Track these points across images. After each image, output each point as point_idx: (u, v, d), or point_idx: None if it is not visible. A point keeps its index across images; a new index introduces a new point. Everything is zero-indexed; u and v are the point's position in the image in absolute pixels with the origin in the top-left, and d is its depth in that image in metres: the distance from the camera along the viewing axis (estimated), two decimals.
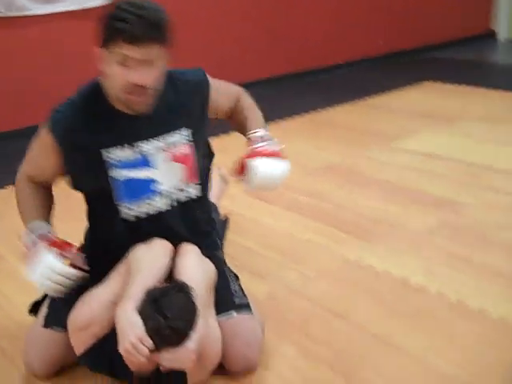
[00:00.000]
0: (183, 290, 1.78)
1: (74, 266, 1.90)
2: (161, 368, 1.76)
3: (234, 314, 2.01)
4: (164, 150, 1.96)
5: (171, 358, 1.72)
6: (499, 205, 3.18)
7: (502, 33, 7.39)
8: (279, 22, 5.62)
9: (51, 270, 1.84)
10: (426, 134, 4.27)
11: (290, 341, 2.18)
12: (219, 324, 1.95)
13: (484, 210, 3.12)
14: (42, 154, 2.00)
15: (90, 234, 2.16)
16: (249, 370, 2.01)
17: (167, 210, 2.01)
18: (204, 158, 2.11)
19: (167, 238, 2.00)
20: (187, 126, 2.00)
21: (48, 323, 2.03)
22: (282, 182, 2.00)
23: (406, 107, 4.99)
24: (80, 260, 1.93)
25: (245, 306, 2.05)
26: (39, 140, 2.00)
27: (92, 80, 1.97)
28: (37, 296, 2.18)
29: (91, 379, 2.00)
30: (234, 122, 2.21)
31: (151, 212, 1.99)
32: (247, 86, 2.49)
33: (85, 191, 2.06)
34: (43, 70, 4.49)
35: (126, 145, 1.92)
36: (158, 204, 1.99)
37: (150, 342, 1.68)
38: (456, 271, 2.58)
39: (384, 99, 5.28)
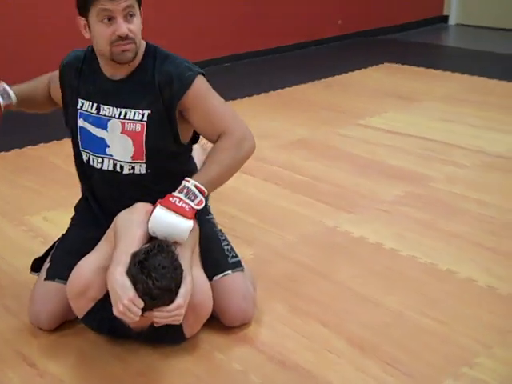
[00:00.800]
0: (165, 248, 1.88)
1: None
2: (155, 324, 1.92)
3: (229, 272, 2.18)
4: (119, 120, 2.10)
5: (162, 315, 1.87)
6: (459, 177, 3.45)
7: (453, 18, 7.70)
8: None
9: None
10: (389, 112, 4.50)
11: (279, 298, 2.38)
12: (216, 283, 2.13)
13: (446, 182, 3.38)
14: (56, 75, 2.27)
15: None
16: (244, 322, 2.20)
17: (110, 172, 2.15)
18: (154, 143, 2.10)
19: (113, 197, 2.19)
20: (148, 108, 2.08)
21: (50, 276, 2.17)
22: (175, 236, 1.94)
23: (369, 87, 5.22)
24: None
25: (238, 264, 2.23)
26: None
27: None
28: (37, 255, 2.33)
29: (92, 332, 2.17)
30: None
31: (97, 166, 2.16)
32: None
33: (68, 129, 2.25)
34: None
35: (94, 103, 2.13)
36: (105, 164, 2.15)
37: (141, 303, 1.81)
38: (424, 237, 2.83)
39: (347, 78, 5.49)
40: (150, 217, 1.97)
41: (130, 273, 1.84)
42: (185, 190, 1.96)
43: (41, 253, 2.36)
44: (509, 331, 2.19)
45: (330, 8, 6.45)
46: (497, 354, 2.08)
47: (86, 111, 2.14)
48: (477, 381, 1.96)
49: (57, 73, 2.24)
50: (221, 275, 2.16)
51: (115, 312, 1.84)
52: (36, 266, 2.33)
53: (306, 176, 3.48)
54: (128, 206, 2.08)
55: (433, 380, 1.97)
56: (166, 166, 2.16)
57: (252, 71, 5.80)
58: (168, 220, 1.92)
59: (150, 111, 2.09)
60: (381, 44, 6.80)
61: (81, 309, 2.05)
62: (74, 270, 2.03)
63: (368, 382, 1.97)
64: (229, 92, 2.40)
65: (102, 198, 2.23)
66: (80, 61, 2.17)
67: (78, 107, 2.15)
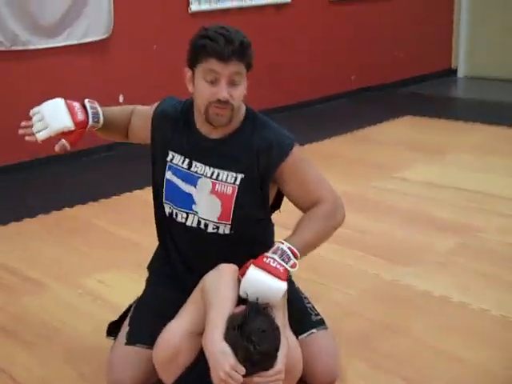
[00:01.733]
0: (262, 311, 1.84)
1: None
2: None
3: (314, 330, 2.14)
4: (210, 180, 2.06)
5: (262, 381, 1.81)
6: (507, 227, 3.43)
7: (461, 70, 7.84)
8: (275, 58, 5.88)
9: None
10: (420, 164, 4.51)
11: (357, 355, 2.32)
12: (303, 342, 2.06)
13: (496, 232, 3.36)
14: (142, 114, 2.25)
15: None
16: (332, 381, 2.14)
17: (194, 228, 2.10)
18: (242, 208, 2.07)
19: (197, 253, 2.14)
20: (242, 172, 2.05)
21: (131, 341, 2.11)
22: (269, 297, 1.86)
23: (396, 140, 5.25)
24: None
25: (322, 323, 2.19)
26: (147, 107, 2.26)
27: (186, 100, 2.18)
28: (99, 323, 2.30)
29: None
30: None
31: (180, 221, 2.12)
32: None
33: (153, 179, 2.21)
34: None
35: (186, 158, 2.10)
36: (189, 220, 2.10)
37: (242, 370, 1.76)
38: (489, 288, 2.80)
39: (372, 132, 5.53)
40: (239, 278, 1.92)
41: (228, 338, 1.78)
42: (279, 252, 1.90)
43: (104, 315, 2.36)
44: None
45: (344, 63, 6.54)
46: None
47: (177, 165, 2.10)
48: None
49: (147, 112, 2.20)
50: (306, 334, 2.11)
51: (215, 379, 1.78)
52: (111, 329, 2.27)
53: (352, 230, 3.44)
54: (211, 262, 2.02)
55: None
56: (251, 229, 2.11)
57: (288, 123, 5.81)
58: (262, 280, 1.85)
59: (243, 175, 2.05)
60: (398, 97, 6.85)
61: (169, 376, 1.97)
62: (162, 336, 1.96)
63: None
64: None
65: (185, 251, 2.17)
66: (177, 112, 2.13)
67: (168, 159, 2.12)
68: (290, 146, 2.07)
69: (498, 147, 4.92)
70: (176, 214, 2.12)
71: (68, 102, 2.13)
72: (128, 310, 2.26)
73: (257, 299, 1.87)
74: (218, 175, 2.06)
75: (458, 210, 3.70)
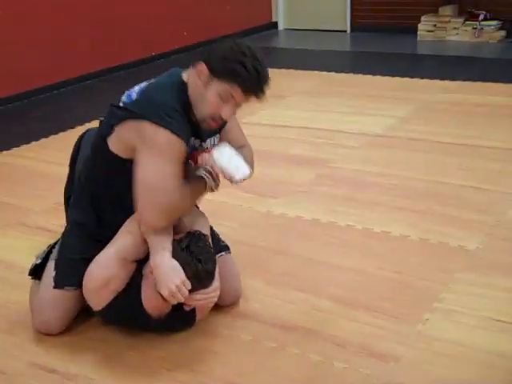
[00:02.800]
0: (202, 236, 2.10)
1: None
2: (185, 307, 2.07)
3: (223, 253, 2.37)
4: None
5: (203, 297, 2.05)
6: (352, 156, 3.86)
7: (281, 24, 8.30)
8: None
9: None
10: (266, 109, 4.81)
11: (250, 276, 2.56)
12: None
13: (345, 162, 3.76)
14: (177, 159, 2.06)
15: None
16: (236, 300, 2.39)
17: None
18: None
19: None
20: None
21: (59, 284, 2.20)
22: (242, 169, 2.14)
23: None
24: None
25: (227, 247, 2.42)
26: (166, 150, 2.02)
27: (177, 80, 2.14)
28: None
29: (97, 331, 2.25)
30: None
31: None
32: None
33: None
34: None
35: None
36: None
37: (189, 285, 1.98)
38: (351, 208, 3.18)
39: None
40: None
41: (178, 257, 1.99)
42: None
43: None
44: (452, 270, 2.58)
45: (176, 20, 6.68)
46: (453, 288, 2.46)
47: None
48: (449, 311, 2.32)
49: (179, 149, 2.05)
50: (217, 256, 2.29)
51: (165, 293, 1.96)
52: (34, 271, 2.35)
53: None
54: None
55: (415, 316, 2.29)
56: None
57: (111, 87, 5.84)
58: (235, 156, 2.14)
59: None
60: None
61: (100, 301, 2.11)
62: (94, 263, 2.09)
63: (364, 327, 2.25)
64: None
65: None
66: (184, 123, 2.06)
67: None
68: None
69: (330, 89, 5.37)
70: None
71: None
72: (49, 253, 2.34)
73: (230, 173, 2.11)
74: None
75: (308, 146, 4.06)
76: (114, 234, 2.16)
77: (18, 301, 2.45)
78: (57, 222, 3.07)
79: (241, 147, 2.32)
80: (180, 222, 2.22)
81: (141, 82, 2.22)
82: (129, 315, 2.14)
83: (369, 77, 5.73)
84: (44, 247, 2.76)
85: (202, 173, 2.15)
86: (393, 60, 6.42)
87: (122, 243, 2.12)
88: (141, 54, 6.38)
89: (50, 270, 2.26)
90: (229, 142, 2.26)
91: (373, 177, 3.53)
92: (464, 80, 5.40)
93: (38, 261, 2.37)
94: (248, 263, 2.66)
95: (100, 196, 2.24)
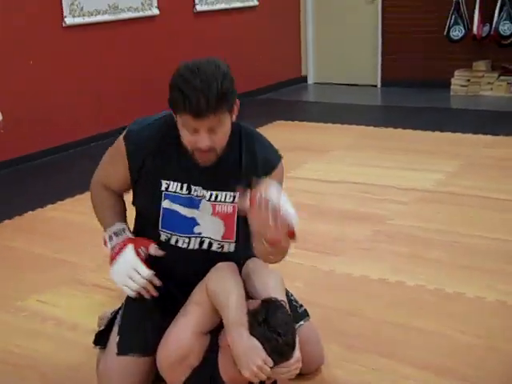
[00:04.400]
0: (280, 305, 1.96)
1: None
2: (266, 382, 1.95)
3: (302, 322, 2.23)
4: (209, 202, 2.07)
5: (285, 370, 1.92)
6: (406, 212, 3.76)
7: (311, 77, 8.33)
8: None
9: (136, 271, 2.02)
10: (309, 163, 4.77)
11: (328, 339, 2.42)
12: None
13: (399, 218, 3.67)
14: (112, 161, 2.16)
15: None
16: (319, 366, 2.26)
17: (196, 250, 2.10)
18: (245, 222, 1.98)
19: (192, 274, 2.10)
20: (237, 190, 2.03)
21: (123, 350, 2.09)
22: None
23: (277, 143, 5.46)
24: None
25: (307, 313, 2.29)
26: (113, 148, 2.16)
27: (166, 115, 2.08)
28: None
29: None
30: None
31: (181, 246, 2.10)
32: None
33: (138, 209, 2.18)
34: None
35: (184, 184, 2.05)
36: (191, 243, 2.09)
37: (271, 362, 1.85)
38: (417, 266, 3.06)
39: None
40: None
41: (256, 333, 1.86)
42: None
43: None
44: None
45: None
46: None
47: (175, 192, 2.05)
48: None
49: (118, 157, 2.09)
50: (296, 326, 2.16)
51: (247, 374, 1.85)
52: (98, 338, 2.26)
53: None
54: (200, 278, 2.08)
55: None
56: (249, 243, 2.03)
57: None
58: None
59: (239, 192, 2.02)
60: (261, 104, 7.09)
61: (177, 376, 2.00)
62: (171, 337, 1.98)
63: None
64: None
65: (179, 271, 2.14)
66: (156, 141, 2.04)
67: (163, 189, 2.05)
68: (276, 163, 2.11)
69: (370, 144, 5.32)
70: (176, 241, 2.09)
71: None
72: (113, 319, 2.23)
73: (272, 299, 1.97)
74: (217, 197, 2.06)
75: (358, 201, 3.97)
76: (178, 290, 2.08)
77: (83, 363, 2.35)
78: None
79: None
80: (252, 285, 2.12)
81: None
82: None
83: (408, 131, 5.68)
84: (102, 306, 2.72)
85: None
86: (428, 114, 6.40)
87: (192, 316, 2.00)
88: None
89: (114, 336, 2.15)
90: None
91: (432, 234, 3.43)
92: (506, 135, 5.35)
93: (102, 327, 2.27)
94: (321, 326, 2.54)
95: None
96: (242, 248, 2.13)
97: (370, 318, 2.63)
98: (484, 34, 6.92)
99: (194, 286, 2.06)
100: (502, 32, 6.77)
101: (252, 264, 2.15)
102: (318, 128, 5.96)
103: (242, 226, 2.07)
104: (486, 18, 6.88)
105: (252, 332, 1.87)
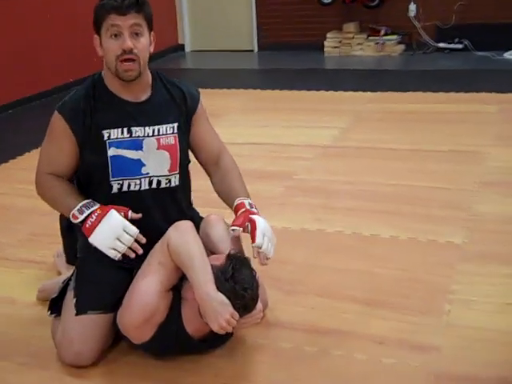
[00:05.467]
0: (244, 260, 2.07)
1: None
2: (235, 329, 2.07)
3: None
4: (153, 138, 2.20)
5: (248, 321, 2.05)
6: (311, 167, 3.97)
7: (188, 46, 8.36)
8: None
9: (125, 232, 2.08)
10: None
11: (266, 286, 2.58)
12: None
13: (307, 173, 3.88)
14: (53, 140, 2.19)
15: None
16: (265, 309, 2.39)
17: (146, 190, 2.22)
18: (184, 152, 2.28)
19: (153, 216, 2.22)
20: (174, 121, 2.24)
21: (81, 310, 2.13)
22: (273, 238, 2.19)
23: None
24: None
25: None
26: (50, 129, 2.21)
27: (93, 76, 2.24)
28: None
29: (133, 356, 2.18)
30: (219, 181, 2.35)
31: (133, 189, 2.20)
32: None
33: (82, 168, 2.21)
34: None
35: (124, 128, 2.18)
36: (142, 184, 2.21)
37: (237, 315, 1.97)
38: (333, 215, 3.28)
39: None
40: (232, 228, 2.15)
41: (223, 289, 1.96)
42: (251, 204, 2.24)
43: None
44: (450, 263, 2.74)
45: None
46: (459, 280, 2.60)
47: (117, 138, 2.15)
48: (465, 301, 2.45)
49: (59, 129, 2.16)
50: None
51: (215, 328, 1.95)
52: (52, 307, 2.26)
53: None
54: (155, 222, 2.17)
55: (437, 309, 2.42)
56: (186, 176, 2.32)
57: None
58: (268, 226, 2.19)
59: (177, 123, 2.24)
60: None
61: (144, 335, 2.06)
62: (134, 300, 2.03)
63: (396, 324, 2.34)
64: None
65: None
66: (87, 98, 2.16)
67: (105, 138, 2.15)
68: (198, 97, 2.35)
69: (258, 106, 5.49)
70: (129, 185, 2.18)
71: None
72: (66, 286, 2.25)
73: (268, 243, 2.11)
74: (159, 131, 2.21)
75: (265, 160, 4.13)
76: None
77: (33, 336, 2.35)
78: (40, 253, 2.97)
79: (218, 154, 2.37)
80: (211, 240, 2.23)
81: None
82: (173, 342, 2.10)
83: (294, 92, 5.90)
84: (37, 279, 2.71)
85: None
86: (307, 75, 6.65)
87: (156, 276, 2.06)
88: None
89: (69, 300, 2.19)
90: (204, 147, 2.34)
91: (341, 185, 3.66)
92: (384, 91, 5.70)
93: (54, 295, 2.29)
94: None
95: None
96: (182, 179, 2.28)
97: (300, 264, 2.80)
98: None
99: (149, 236, 2.11)
100: None
101: (208, 219, 2.27)
102: (204, 94, 6.01)
103: (182, 157, 2.25)
104: None
105: (219, 288, 1.96)
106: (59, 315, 2.22)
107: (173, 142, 2.23)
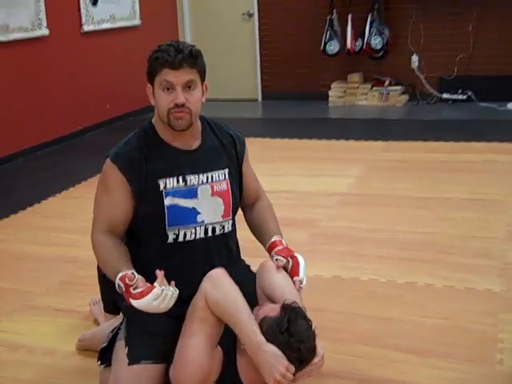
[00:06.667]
0: (300, 311, 2.00)
1: None
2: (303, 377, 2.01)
3: None
4: (207, 185, 2.20)
5: (310, 370, 1.99)
6: (333, 214, 3.96)
7: None
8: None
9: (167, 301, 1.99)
10: None
11: None
12: None
13: (329, 220, 3.86)
14: (107, 194, 2.14)
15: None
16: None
17: (202, 239, 2.19)
18: (235, 197, 2.27)
19: (201, 265, 2.17)
20: (226, 166, 2.25)
21: (134, 359, 2.06)
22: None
23: None
24: None
25: None
26: (102, 183, 2.17)
27: (143, 124, 2.24)
28: None
29: None
30: (255, 217, 2.38)
31: (189, 239, 2.17)
32: None
33: (136, 220, 2.17)
34: None
35: (179, 176, 2.16)
36: (197, 233, 2.18)
37: (293, 368, 1.90)
38: (364, 263, 3.25)
39: None
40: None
41: (278, 342, 1.90)
42: (285, 243, 2.30)
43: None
44: (493, 311, 2.70)
45: (99, 94, 6.60)
46: (505, 328, 2.57)
47: (173, 188, 2.14)
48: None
49: (116, 179, 2.13)
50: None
51: (271, 382, 1.89)
52: (102, 356, 2.20)
53: None
54: (202, 270, 2.10)
55: (488, 358, 2.38)
56: (235, 223, 2.30)
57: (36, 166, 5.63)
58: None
59: (228, 169, 2.24)
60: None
61: None
62: (188, 363, 1.96)
63: (447, 373, 2.30)
64: None
65: (182, 273, 2.15)
66: (140, 149, 2.15)
67: (161, 189, 2.13)
68: (244, 139, 2.36)
69: (270, 155, 5.47)
70: (184, 235, 2.15)
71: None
72: (114, 336, 2.19)
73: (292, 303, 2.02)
74: (212, 177, 2.20)
75: (285, 208, 4.09)
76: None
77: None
78: (69, 302, 2.91)
79: (257, 196, 2.40)
80: (267, 287, 2.18)
81: None
82: None
83: (304, 141, 5.93)
84: (71, 327, 2.65)
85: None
86: (314, 124, 6.70)
87: (202, 334, 1.98)
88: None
89: (121, 349, 2.12)
90: (247, 189, 2.34)
91: (365, 232, 3.64)
92: (394, 140, 5.75)
93: (104, 344, 2.23)
94: None
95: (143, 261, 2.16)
96: (233, 225, 2.29)
97: (340, 313, 2.76)
98: (357, 49, 7.39)
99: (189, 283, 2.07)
100: (373, 46, 7.27)
101: (267, 265, 2.23)
102: None
103: (234, 202, 2.25)
104: (358, 33, 7.36)
105: (274, 341, 1.90)
106: (109, 365, 2.16)
107: (225, 188, 2.22)
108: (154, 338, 2.10)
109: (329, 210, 4.05)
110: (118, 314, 2.55)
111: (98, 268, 2.55)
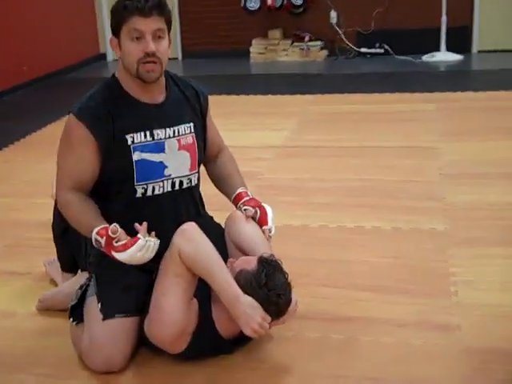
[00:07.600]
0: (275, 264, 2.04)
1: None
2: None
3: None
4: (174, 139, 2.18)
5: (283, 319, 2.04)
6: (273, 166, 4.00)
7: (110, 54, 8.20)
8: None
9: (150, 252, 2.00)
10: None
11: None
12: None
13: (270, 173, 3.91)
14: (75, 149, 2.08)
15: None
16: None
17: (169, 192, 2.20)
18: (201, 150, 2.28)
19: (169, 218, 2.19)
20: (191, 120, 2.24)
21: (109, 314, 2.06)
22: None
23: None
24: None
25: None
26: (67, 138, 2.11)
27: (105, 79, 2.17)
28: None
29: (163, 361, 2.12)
30: (218, 170, 2.42)
31: (157, 193, 2.17)
32: None
33: (103, 176, 2.13)
34: None
35: (146, 131, 2.13)
36: (165, 187, 2.18)
37: (269, 318, 1.96)
38: (309, 210, 3.33)
39: None
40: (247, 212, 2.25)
41: (257, 296, 1.93)
42: (251, 194, 2.35)
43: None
44: (441, 248, 2.83)
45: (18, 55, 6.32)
46: (456, 263, 2.69)
47: (140, 142, 2.11)
48: (469, 282, 2.55)
49: (81, 135, 2.07)
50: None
51: (248, 332, 1.94)
52: (73, 314, 2.16)
53: None
54: (170, 224, 2.11)
55: (444, 291, 2.50)
56: (199, 177, 2.31)
57: None
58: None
59: (193, 123, 2.23)
60: (68, 83, 6.85)
61: (179, 346, 2.02)
62: (163, 318, 1.96)
63: (410, 307, 2.40)
64: None
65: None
66: (104, 105, 2.09)
67: (129, 143, 2.10)
68: (207, 94, 2.35)
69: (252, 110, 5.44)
70: (153, 189, 2.14)
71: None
72: (84, 292, 2.17)
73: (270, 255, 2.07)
74: (178, 131, 2.19)
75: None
76: None
77: (46, 346, 2.24)
78: (20, 264, 2.83)
79: (219, 149, 2.44)
80: (239, 238, 2.20)
81: None
82: (208, 347, 2.06)
83: (233, 97, 5.92)
84: (28, 289, 2.59)
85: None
86: (237, 80, 6.69)
87: (177, 289, 1.98)
88: None
89: (92, 306, 2.10)
90: (210, 143, 2.35)
91: (309, 182, 3.70)
92: (322, 93, 5.83)
93: (73, 302, 2.19)
94: None
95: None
96: (199, 181, 2.31)
97: (297, 259, 2.79)
98: (277, 5, 7.39)
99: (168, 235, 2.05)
100: (294, 1, 7.29)
101: (235, 216, 2.26)
102: None
103: (200, 155, 2.26)
104: None
105: (252, 294, 1.93)
106: (81, 321, 2.12)
107: (191, 142, 2.22)
108: (127, 291, 2.09)
109: (269, 163, 4.08)
110: (77, 272, 2.52)
111: (53, 228, 2.50)
